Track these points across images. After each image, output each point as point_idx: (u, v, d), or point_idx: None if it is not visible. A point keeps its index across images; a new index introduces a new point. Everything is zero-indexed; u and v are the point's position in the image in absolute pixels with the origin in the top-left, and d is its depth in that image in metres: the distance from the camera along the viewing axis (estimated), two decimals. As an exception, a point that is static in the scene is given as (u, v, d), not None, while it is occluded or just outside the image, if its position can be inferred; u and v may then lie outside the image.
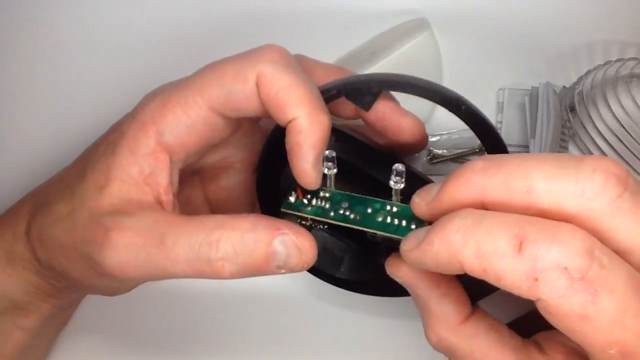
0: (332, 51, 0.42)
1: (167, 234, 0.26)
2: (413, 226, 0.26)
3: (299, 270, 0.26)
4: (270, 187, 0.32)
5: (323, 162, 0.27)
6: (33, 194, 0.33)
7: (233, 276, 0.26)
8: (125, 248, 0.26)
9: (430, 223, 0.25)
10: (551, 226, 0.20)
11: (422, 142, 0.32)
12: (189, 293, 0.40)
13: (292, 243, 0.26)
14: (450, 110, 0.29)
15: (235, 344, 0.39)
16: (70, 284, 0.31)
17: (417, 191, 0.25)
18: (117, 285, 0.30)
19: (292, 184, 0.28)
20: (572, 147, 0.40)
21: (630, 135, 0.37)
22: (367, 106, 0.30)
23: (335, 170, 0.27)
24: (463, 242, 0.21)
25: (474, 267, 0.21)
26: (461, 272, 0.21)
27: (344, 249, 0.34)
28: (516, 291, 0.20)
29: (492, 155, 0.23)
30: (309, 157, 0.26)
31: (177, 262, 0.26)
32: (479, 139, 0.29)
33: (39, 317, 0.33)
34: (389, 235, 0.26)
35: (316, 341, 0.39)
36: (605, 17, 0.42)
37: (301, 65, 0.31)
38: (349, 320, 0.39)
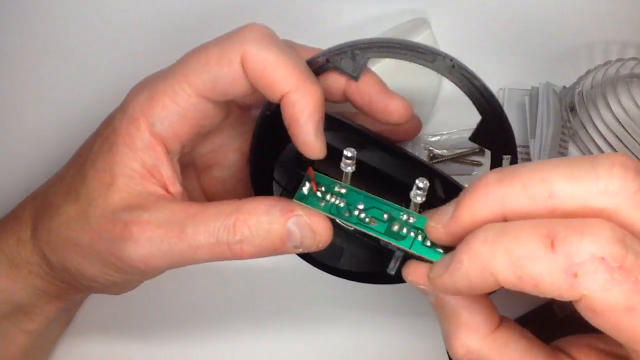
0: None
1: (187, 224, 0.27)
2: (429, 242, 0.25)
3: (317, 250, 0.27)
4: (264, 171, 0.32)
5: (342, 160, 0.27)
6: (34, 197, 0.33)
7: (253, 256, 0.27)
8: (148, 241, 0.27)
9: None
10: (577, 221, 0.20)
11: (414, 128, 0.31)
12: (190, 293, 0.40)
13: (305, 224, 0.26)
14: (438, 71, 0.28)
15: (236, 343, 0.39)
16: (79, 284, 0.31)
17: (430, 214, 0.24)
18: (137, 278, 0.30)
19: (299, 173, 0.28)
20: (572, 147, 0.40)
21: (630, 135, 0.37)
22: (356, 73, 0.29)
23: (353, 168, 0.27)
24: (492, 252, 0.20)
25: (509, 276, 0.20)
26: (497, 288, 0.21)
27: (343, 239, 0.33)
28: (556, 293, 0.20)
29: (502, 167, 0.23)
30: (308, 128, 0.27)
31: (199, 248, 0.27)
32: (473, 102, 0.29)
33: (43, 319, 0.33)
34: (405, 249, 0.26)
35: (316, 333, 0.39)
36: (605, 17, 0.42)
37: None
38: (349, 310, 0.39)
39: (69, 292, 0.32)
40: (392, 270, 0.27)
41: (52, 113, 0.43)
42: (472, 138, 0.30)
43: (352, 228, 0.27)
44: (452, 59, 0.28)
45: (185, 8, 0.44)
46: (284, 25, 0.43)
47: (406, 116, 0.30)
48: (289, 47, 0.28)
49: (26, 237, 0.31)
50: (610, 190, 0.20)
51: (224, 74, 0.27)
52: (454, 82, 0.29)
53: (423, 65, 0.28)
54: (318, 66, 0.29)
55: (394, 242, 0.26)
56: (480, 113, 0.29)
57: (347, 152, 0.26)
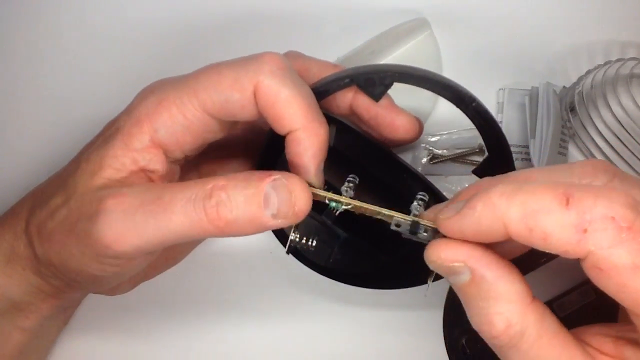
0: (333, 51, 0.42)
1: (164, 192, 0.26)
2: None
3: (294, 219, 0.26)
4: None
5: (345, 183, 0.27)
6: (33, 193, 0.33)
7: (231, 227, 0.26)
8: (122, 212, 0.26)
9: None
10: (593, 187, 0.21)
11: (416, 136, 0.32)
12: (188, 293, 0.40)
13: (282, 185, 0.26)
14: (458, 107, 0.29)
15: (236, 342, 0.39)
16: (70, 281, 0.31)
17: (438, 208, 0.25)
18: (116, 269, 0.29)
19: None
20: (572, 147, 0.40)
21: (630, 135, 0.37)
22: (378, 97, 0.30)
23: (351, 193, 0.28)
24: (508, 203, 0.21)
25: (519, 227, 0.21)
26: (501, 238, 0.22)
27: (335, 239, 0.34)
28: (563, 247, 0.21)
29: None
30: (309, 168, 0.27)
31: (175, 214, 0.26)
32: (483, 137, 0.30)
33: (38, 317, 0.33)
34: (415, 220, 0.26)
35: (310, 331, 0.39)
36: (605, 17, 0.42)
37: (296, 63, 0.31)
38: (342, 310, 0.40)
39: (63, 290, 0.32)
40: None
41: (52, 113, 0.43)
42: (475, 171, 0.32)
43: (345, 235, 0.27)
44: (475, 102, 0.29)
45: (193, 17, 0.44)
46: (285, 26, 0.43)
47: (412, 132, 0.31)
48: (302, 83, 0.28)
49: (21, 230, 0.31)
50: (583, 183, 0.22)
51: (235, 99, 0.27)
52: (469, 118, 0.30)
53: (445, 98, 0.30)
54: (343, 84, 0.30)
55: (405, 218, 0.26)
56: (489, 151, 0.30)
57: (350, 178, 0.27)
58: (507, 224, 0.21)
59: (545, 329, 0.23)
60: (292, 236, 0.28)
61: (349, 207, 0.27)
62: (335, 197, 0.27)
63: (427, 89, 0.29)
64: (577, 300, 0.34)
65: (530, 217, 0.21)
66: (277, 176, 0.26)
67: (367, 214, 0.27)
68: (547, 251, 0.21)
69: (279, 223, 0.26)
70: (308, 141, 0.27)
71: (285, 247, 0.30)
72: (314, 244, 0.29)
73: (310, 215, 0.29)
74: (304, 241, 0.29)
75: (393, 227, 0.26)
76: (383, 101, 0.30)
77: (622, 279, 0.20)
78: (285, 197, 0.26)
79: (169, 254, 0.36)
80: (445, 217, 0.23)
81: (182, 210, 0.26)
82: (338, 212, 0.27)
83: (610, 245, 0.20)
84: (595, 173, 0.22)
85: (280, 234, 0.33)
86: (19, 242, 0.31)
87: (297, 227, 0.28)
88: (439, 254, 0.24)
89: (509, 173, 0.24)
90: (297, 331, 0.39)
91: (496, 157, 0.30)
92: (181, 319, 0.40)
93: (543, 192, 0.21)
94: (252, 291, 0.40)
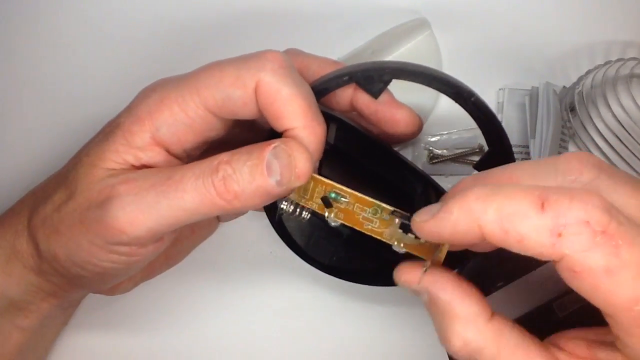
0: (333, 51, 0.42)
1: (174, 172, 0.27)
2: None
3: (297, 182, 0.27)
4: None
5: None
6: (33, 192, 0.33)
7: (239, 199, 0.27)
8: (135, 196, 0.27)
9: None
10: (568, 189, 0.21)
11: (416, 131, 0.32)
12: (188, 293, 0.40)
13: (282, 150, 0.26)
14: (457, 102, 0.29)
15: (238, 341, 0.39)
16: (72, 277, 0.31)
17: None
18: (124, 259, 0.29)
19: None
20: (572, 147, 0.40)
21: (630, 135, 0.37)
22: (377, 94, 0.30)
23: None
24: (484, 207, 0.21)
25: (495, 230, 0.21)
26: (478, 240, 0.22)
27: (337, 237, 0.34)
28: (538, 250, 0.21)
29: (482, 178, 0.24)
30: None
31: (186, 192, 0.26)
32: (483, 132, 0.30)
33: (38, 316, 0.33)
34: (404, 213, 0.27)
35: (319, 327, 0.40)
36: (606, 17, 0.42)
37: (296, 60, 0.31)
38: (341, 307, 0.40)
39: (64, 288, 0.32)
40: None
41: (52, 113, 0.43)
42: (476, 166, 0.32)
43: (339, 223, 0.28)
44: (474, 97, 0.29)
45: (193, 16, 0.44)
46: (285, 26, 0.43)
47: (413, 126, 0.31)
48: (302, 81, 0.28)
49: (23, 228, 0.31)
50: (568, 180, 0.23)
51: (237, 96, 0.27)
52: (469, 114, 0.30)
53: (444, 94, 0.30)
54: (342, 81, 0.30)
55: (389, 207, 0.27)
56: (489, 146, 0.30)
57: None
58: (483, 227, 0.21)
59: (504, 343, 0.23)
60: (283, 205, 0.29)
61: (340, 222, 0.28)
62: (337, 185, 0.27)
63: (426, 84, 0.29)
64: (577, 300, 0.34)
65: (505, 220, 0.21)
66: (276, 143, 0.27)
67: (361, 230, 0.28)
68: (522, 253, 0.21)
69: (284, 189, 0.27)
70: (306, 140, 0.27)
71: (275, 224, 0.31)
72: (307, 217, 0.29)
73: (314, 214, 0.30)
74: (297, 213, 0.29)
75: (395, 247, 0.28)
76: (383, 96, 0.30)
77: (595, 282, 0.20)
78: (286, 161, 0.26)
79: (170, 254, 0.36)
80: (421, 221, 0.24)
81: (193, 187, 0.26)
82: (333, 224, 0.28)
83: (585, 249, 0.20)
84: (581, 169, 0.22)
85: (272, 212, 0.33)
86: (20, 240, 0.31)
87: (289, 199, 0.29)
88: (400, 277, 0.26)
89: (492, 170, 0.24)
90: (298, 329, 0.40)
91: (497, 152, 0.31)
92: (181, 318, 0.40)
93: (518, 195, 0.21)
94: (252, 290, 0.40)
